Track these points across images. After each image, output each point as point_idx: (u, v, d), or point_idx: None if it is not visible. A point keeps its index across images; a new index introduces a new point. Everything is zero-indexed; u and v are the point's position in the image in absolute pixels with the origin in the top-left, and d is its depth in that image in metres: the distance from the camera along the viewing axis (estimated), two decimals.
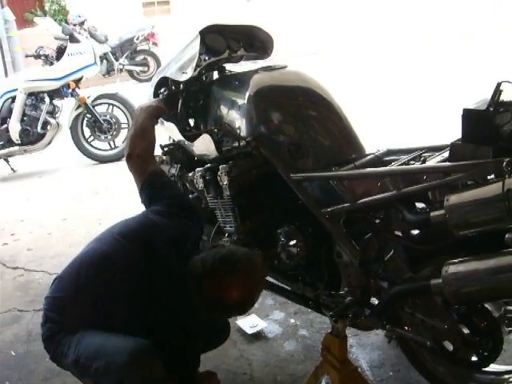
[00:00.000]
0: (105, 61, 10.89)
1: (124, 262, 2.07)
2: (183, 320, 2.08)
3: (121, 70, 11.27)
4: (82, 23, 10.37)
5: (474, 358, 1.96)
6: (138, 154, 2.34)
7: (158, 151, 3.00)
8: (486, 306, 1.94)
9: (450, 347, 2.00)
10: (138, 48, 11.52)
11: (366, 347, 2.67)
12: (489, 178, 1.78)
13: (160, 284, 2.05)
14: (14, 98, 6.13)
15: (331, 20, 13.14)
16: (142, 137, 2.39)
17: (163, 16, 16.02)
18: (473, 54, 10.31)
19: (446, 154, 1.93)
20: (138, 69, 11.64)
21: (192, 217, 2.29)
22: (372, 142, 2.64)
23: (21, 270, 3.85)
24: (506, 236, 1.68)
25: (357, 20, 13.21)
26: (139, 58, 11.63)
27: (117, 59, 11.14)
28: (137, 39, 11.26)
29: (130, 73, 11.63)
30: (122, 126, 6.46)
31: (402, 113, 6.85)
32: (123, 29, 11.38)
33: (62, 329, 2.04)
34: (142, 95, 2.98)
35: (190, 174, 2.63)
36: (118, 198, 5.07)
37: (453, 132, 1.89)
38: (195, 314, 2.09)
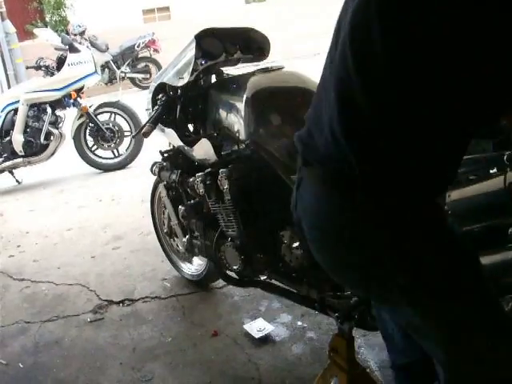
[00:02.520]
0: (107, 69, 10.96)
1: None
2: None
3: (123, 78, 11.30)
4: (82, 33, 10.47)
5: None
6: None
7: (158, 157, 3.01)
8: None
9: None
10: (140, 55, 11.56)
11: (374, 347, 2.64)
12: (490, 172, 1.77)
13: None
14: (16, 110, 6.14)
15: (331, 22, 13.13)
16: None
17: (164, 22, 16.12)
18: None
19: None
20: (140, 76, 11.67)
21: None
22: None
23: (27, 281, 3.83)
24: (510, 230, 1.66)
25: None
26: (141, 65, 11.66)
27: (118, 67, 11.18)
28: (138, 47, 11.29)
29: (133, 80, 11.67)
30: (125, 133, 6.44)
31: None
32: (124, 37, 11.43)
33: None
34: (144, 102, 2.98)
35: (191, 180, 2.63)
36: (122, 207, 5.05)
37: None
38: None
